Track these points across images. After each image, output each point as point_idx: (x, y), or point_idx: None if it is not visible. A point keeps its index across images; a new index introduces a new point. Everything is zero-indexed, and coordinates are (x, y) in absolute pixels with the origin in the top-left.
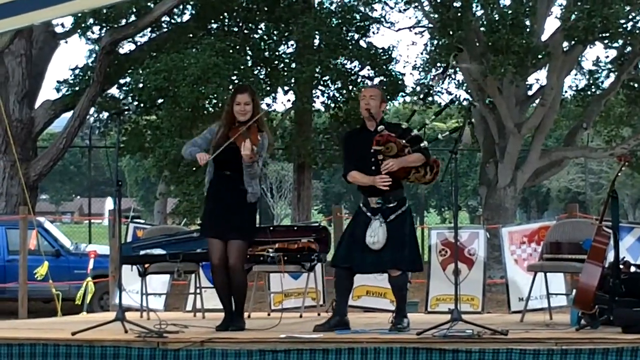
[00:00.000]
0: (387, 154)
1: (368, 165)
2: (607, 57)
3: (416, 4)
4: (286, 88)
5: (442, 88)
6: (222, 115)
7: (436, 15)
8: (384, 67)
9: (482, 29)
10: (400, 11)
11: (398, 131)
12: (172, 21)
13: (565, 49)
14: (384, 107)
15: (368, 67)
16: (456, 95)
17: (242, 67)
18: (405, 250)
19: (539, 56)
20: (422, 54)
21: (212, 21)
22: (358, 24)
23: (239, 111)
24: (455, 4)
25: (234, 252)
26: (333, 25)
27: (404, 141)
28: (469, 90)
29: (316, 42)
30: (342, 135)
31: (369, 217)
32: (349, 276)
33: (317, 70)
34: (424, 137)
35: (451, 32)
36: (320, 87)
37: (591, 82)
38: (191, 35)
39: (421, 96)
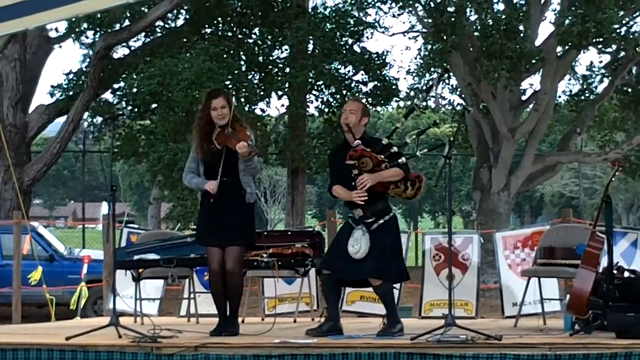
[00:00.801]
0: (362, 169)
1: (348, 179)
2: (601, 62)
3: (410, 9)
4: (280, 93)
5: (436, 93)
6: (197, 126)
7: (430, 20)
8: (378, 72)
9: (475, 33)
10: (394, 16)
11: (377, 146)
12: (166, 26)
13: (559, 54)
14: (365, 122)
15: (362, 72)
16: (450, 100)
17: (236, 71)
18: (386, 259)
19: (533, 61)
20: (415, 58)
21: (206, 26)
22: (352, 28)
23: (216, 116)
24: (449, 9)
25: (232, 257)
26: (327, 30)
27: (382, 156)
28: (463, 95)
29: (310, 47)
30: (330, 151)
31: (352, 227)
32: (332, 282)
33: (311, 75)
34: (391, 138)
35: (445, 37)
36: (314, 92)
37: (585, 87)
38: (185, 40)
39: (415, 100)
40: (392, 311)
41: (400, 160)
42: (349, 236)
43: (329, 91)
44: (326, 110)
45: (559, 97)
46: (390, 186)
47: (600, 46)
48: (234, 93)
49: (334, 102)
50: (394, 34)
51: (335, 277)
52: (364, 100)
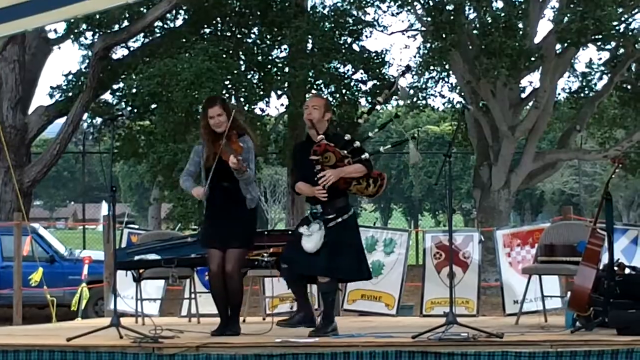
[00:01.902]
0: (325, 164)
1: (312, 175)
2: (600, 59)
3: (409, 8)
4: (279, 92)
5: (435, 91)
6: (201, 133)
7: (429, 19)
8: (377, 70)
9: (475, 32)
10: (393, 15)
11: (340, 142)
12: (165, 26)
13: (558, 52)
14: (328, 117)
15: (361, 71)
16: (450, 98)
17: (235, 71)
18: (340, 258)
19: (532, 59)
20: (415, 57)
21: (205, 26)
22: (351, 27)
23: (213, 124)
24: (447, 7)
25: (231, 259)
26: (326, 29)
27: (345, 152)
28: (463, 93)
29: (309, 46)
30: (293, 147)
31: (309, 221)
32: (293, 275)
33: (310, 74)
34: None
35: (444, 35)
36: (313, 91)
37: (584, 84)
38: (184, 40)
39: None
40: (329, 311)
41: (363, 156)
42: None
43: (329, 90)
44: None
45: (559, 94)
46: (352, 182)
47: (599, 43)
48: (233, 93)
49: (334, 101)
50: (393, 33)
51: (292, 271)
52: (363, 100)
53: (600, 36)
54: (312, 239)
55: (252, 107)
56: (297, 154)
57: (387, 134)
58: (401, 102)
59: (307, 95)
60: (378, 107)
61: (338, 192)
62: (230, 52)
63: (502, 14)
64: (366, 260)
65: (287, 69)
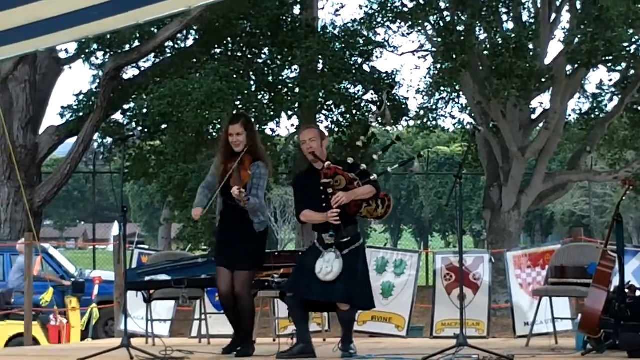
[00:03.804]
0: (336, 187)
1: (319, 203)
2: (611, 80)
3: (419, 28)
4: (290, 113)
5: (445, 112)
6: (219, 146)
7: (439, 39)
8: (382, 84)
9: (485, 52)
10: (403, 35)
11: (345, 166)
12: (176, 46)
13: (568, 73)
14: (326, 145)
15: (371, 92)
16: (460, 119)
17: (245, 92)
18: (356, 285)
19: (543, 80)
20: (425, 77)
21: (216, 46)
22: (361, 48)
23: (232, 142)
24: (458, 28)
25: (239, 281)
26: (336, 49)
27: (353, 174)
28: (473, 114)
29: (320, 66)
30: (293, 178)
31: (320, 251)
32: (297, 304)
33: (321, 94)
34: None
35: (454, 56)
36: (324, 112)
37: (595, 105)
38: (195, 60)
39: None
40: (350, 333)
41: (372, 177)
42: (315, 259)
43: (339, 111)
44: (336, 129)
45: (569, 115)
46: (363, 205)
47: (609, 64)
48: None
49: (344, 121)
50: (403, 53)
51: (299, 299)
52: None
53: (610, 57)
54: (330, 267)
55: (263, 127)
56: (300, 183)
57: (397, 154)
58: (411, 123)
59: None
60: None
61: (349, 219)
62: (241, 72)
63: (513, 35)
64: (371, 289)
65: (297, 90)
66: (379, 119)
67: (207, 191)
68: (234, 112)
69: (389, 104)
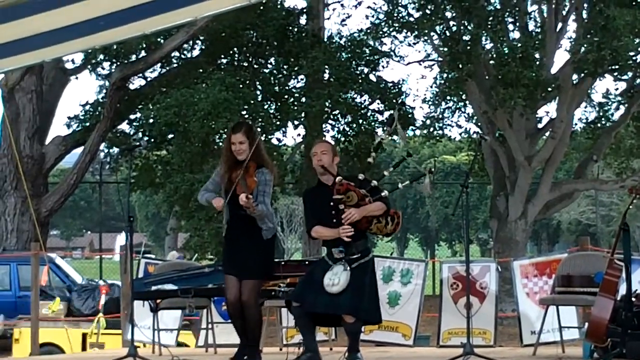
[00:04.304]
0: (348, 203)
1: (329, 218)
2: (617, 89)
3: (425, 38)
4: (296, 122)
5: (451, 121)
6: (223, 155)
7: (446, 49)
8: (394, 100)
9: (491, 62)
10: (409, 45)
11: (356, 182)
12: (182, 56)
13: (574, 82)
14: (337, 161)
15: (378, 101)
16: (466, 128)
17: (252, 101)
18: (363, 299)
19: (549, 89)
20: (431, 87)
21: (222, 56)
22: (367, 57)
23: (235, 151)
24: (464, 38)
25: (247, 290)
26: (343, 59)
27: (363, 190)
28: (479, 124)
29: (326, 76)
30: (303, 193)
31: (329, 265)
32: (303, 315)
33: (327, 104)
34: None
35: (460, 66)
36: (330, 121)
37: (601, 114)
38: (201, 70)
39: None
40: (357, 345)
41: (383, 194)
42: (324, 272)
43: (345, 120)
44: (342, 139)
45: (575, 124)
46: (373, 221)
47: (616, 73)
48: (249, 123)
49: (350, 131)
50: (409, 63)
51: (305, 310)
52: (379, 130)
53: (617, 66)
54: (337, 279)
55: (269, 137)
56: (310, 199)
57: (403, 164)
58: (417, 132)
59: (323, 126)
60: (384, 142)
61: (359, 234)
62: (247, 82)
63: (519, 44)
64: (379, 304)
65: (303, 99)
66: (390, 136)
67: (209, 193)
68: (236, 122)
69: (401, 121)
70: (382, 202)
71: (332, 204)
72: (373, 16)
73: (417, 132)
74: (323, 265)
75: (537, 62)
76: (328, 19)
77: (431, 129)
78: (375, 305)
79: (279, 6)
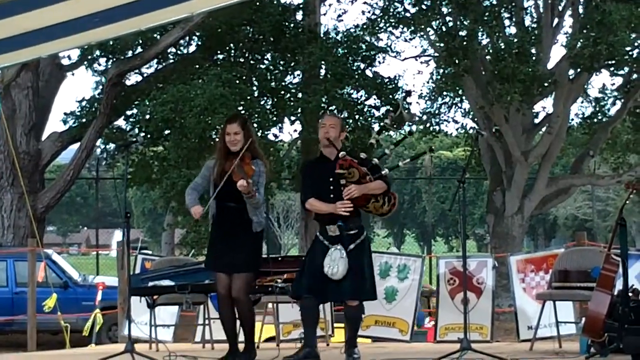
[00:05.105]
0: (349, 179)
1: (327, 193)
2: (613, 84)
3: (422, 33)
4: (293, 118)
5: (448, 116)
6: (217, 148)
7: (442, 44)
8: (390, 96)
9: (487, 57)
10: (406, 40)
11: (358, 160)
12: (178, 52)
13: (571, 77)
14: (343, 137)
15: (374, 97)
16: (463, 123)
17: (248, 97)
18: (364, 280)
19: (545, 84)
20: (428, 82)
21: (218, 52)
22: (364, 53)
23: (229, 141)
24: (460, 33)
25: (238, 284)
26: (339, 55)
27: (365, 168)
28: (476, 119)
29: (322, 72)
30: (301, 165)
31: (327, 247)
32: (313, 306)
33: (324, 100)
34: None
35: (457, 61)
36: (328, 112)
37: (597, 109)
38: (197, 66)
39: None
40: (355, 335)
41: (383, 172)
42: (324, 256)
43: (342, 116)
44: None
45: (572, 119)
46: (371, 199)
47: (612, 68)
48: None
49: (347, 126)
50: (406, 59)
51: (316, 301)
52: (376, 125)
53: (613, 61)
54: (336, 268)
55: (266, 132)
56: (308, 171)
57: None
58: (414, 127)
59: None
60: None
61: (356, 210)
62: (244, 78)
63: (515, 40)
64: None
65: (300, 95)
66: (394, 123)
67: (196, 193)
68: (232, 113)
69: (407, 106)
70: (383, 181)
71: (331, 179)
72: (369, 12)
73: (414, 127)
74: (321, 248)
75: (534, 58)
76: (324, 14)
77: (428, 125)
78: (372, 283)
79: (275, 2)
